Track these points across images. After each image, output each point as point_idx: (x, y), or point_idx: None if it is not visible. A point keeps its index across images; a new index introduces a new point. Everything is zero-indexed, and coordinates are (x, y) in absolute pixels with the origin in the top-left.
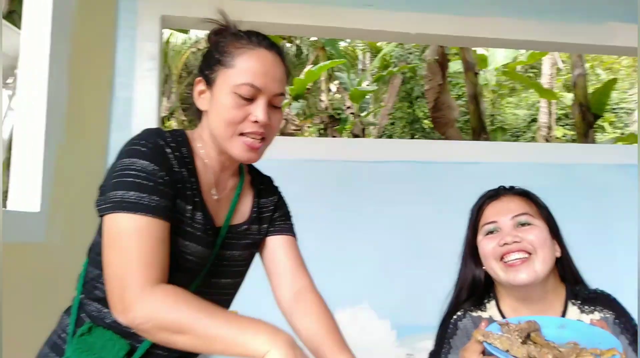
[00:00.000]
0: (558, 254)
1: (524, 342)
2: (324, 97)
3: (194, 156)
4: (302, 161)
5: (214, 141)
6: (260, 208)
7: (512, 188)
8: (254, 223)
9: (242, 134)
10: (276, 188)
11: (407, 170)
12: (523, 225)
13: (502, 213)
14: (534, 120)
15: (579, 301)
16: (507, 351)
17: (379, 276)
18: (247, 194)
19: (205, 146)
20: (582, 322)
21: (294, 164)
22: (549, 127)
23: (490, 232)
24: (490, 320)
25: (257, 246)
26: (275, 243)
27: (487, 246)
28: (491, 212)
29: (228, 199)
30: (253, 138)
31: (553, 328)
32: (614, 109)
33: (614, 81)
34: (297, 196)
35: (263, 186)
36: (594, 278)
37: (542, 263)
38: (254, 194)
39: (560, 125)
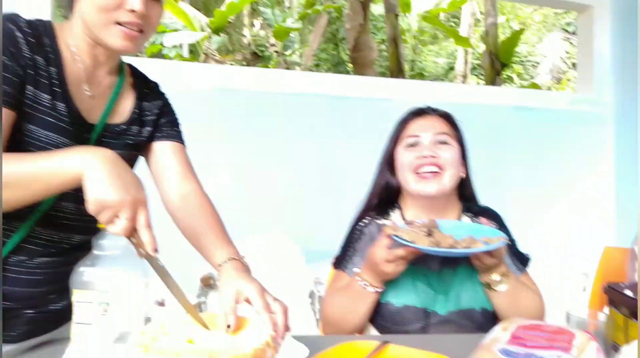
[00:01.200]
0: (463, 175)
1: (427, 235)
2: (246, 32)
3: (58, 46)
4: (219, 90)
5: (87, 32)
6: (142, 110)
7: (436, 109)
8: (134, 124)
9: (118, 23)
10: (163, 94)
11: (321, 103)
12: (441, 143)
13: (425, 129)
14: (452, 68)
15: (471, 214)
16: (413, 242)
17: (290, 204)
18: (127, 95)
19: (75, 38)
20: (473, 223)
21: (210, 94)
22: (465, 76)
23: (411, 145)
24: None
25: (139, 149)
26: (162, 149)
27: (406, 157)
28: (415, 127)
29: (104, 97)
30: (130, 28)
31: (450, 229)
32: (522, 61)
33: (522, 31)
34: (212, 125)
35: (147, 90)
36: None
37: (449, 179)
38: (135, 96)
39: (475, 74)
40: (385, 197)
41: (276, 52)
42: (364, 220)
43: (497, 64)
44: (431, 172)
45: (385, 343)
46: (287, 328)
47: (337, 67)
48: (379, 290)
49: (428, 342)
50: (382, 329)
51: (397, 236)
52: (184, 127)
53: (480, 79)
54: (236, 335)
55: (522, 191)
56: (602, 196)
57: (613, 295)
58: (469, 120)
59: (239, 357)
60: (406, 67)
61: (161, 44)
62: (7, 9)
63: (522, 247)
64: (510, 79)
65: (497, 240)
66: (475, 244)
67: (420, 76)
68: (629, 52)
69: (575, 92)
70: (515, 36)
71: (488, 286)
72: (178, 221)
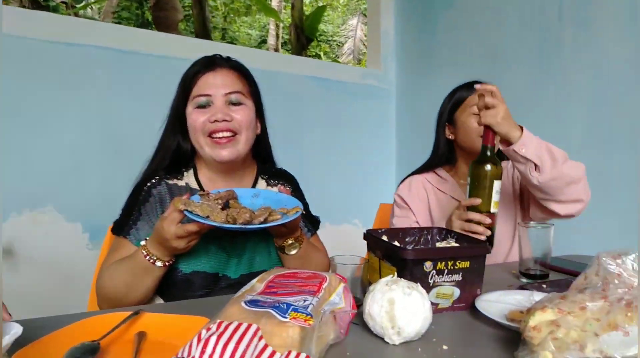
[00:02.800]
0: (258, 131)
1: (223, 208)
2: None
3: None
4: None
5: None
6: None
7: (228, 59)
8: None
9: None
10: None
11: (104, 57)
12: (234, 104)
13: (217, 86)
14: (265, 41)
15: (267, 176)
16: (208, 217)
17: (67, 175)
18: None
19: None
20: (271, 191)
21: None
22: (276, 49)
23: (202, 106)
24: (187, 188)
25: None
26: None
27: (197, 119)
28: (205, 84)
29: None
30: None
31: (248, 198)
32: (328, 40)
33: (324, 7)
34: None
35: None
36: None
37: (244, 143)
38: None
39: (286, 49)
40: (177, 157)
41: (64, 3)
42: (152, 180)
43: (302, 38)
44: (225, 137)
45: (139, 312)
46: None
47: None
48: (168, 263)
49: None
50: (168, 296)
51: (189, 211)
52: None
53: (290, 53)
54: None
55: (318, 155)
56: (384, 160)
57: (371, 240)
58: (271, 86)
59: None
60: (217, 35)
61: None
62: None
63: (318, 206)
64: (318, 56)
65: (294, 210)
66: (272, 216)
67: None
68: (409, 32)
69: (366, 68)
70: (319, 12)
71: (282, 250)
72: None
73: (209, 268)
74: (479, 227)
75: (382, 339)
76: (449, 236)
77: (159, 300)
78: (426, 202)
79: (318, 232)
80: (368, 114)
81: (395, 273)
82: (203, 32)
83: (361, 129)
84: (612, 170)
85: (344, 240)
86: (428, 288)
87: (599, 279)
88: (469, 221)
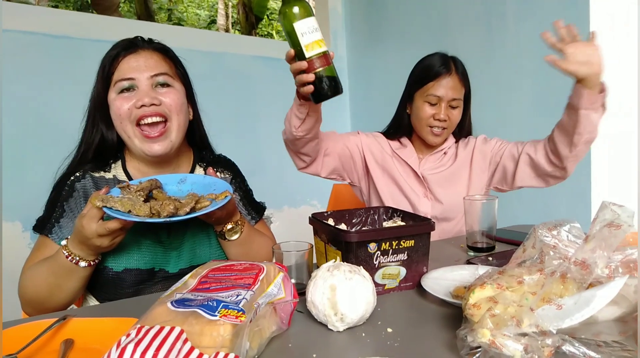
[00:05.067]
0: (191, 117)
1: (146, 200)
2: None
3: None
4: None
5: None
6: None
7: (150, 40)
8: None
9: None
10: None
11: (36, 43)
12: (162, 85)
13: (141, 69)
14: (215, 22)
15: (205, 164)
16: (130, 212)
17: (2, 170)
18: None
19: None
20: (198, 174)
21: None
22: (227, 30)
23: (126, 89)
24: (115, 181)
25: None
26: None
27: (122, 106)
28: (128, 67)
29: None
30: None
31: (174, 184)
32: None
33: None
34: None
35: None
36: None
37: (177, 131)
38: None
39: (237, 29)
40: (103, 149)
41: None
42: (76, 173)
43: (251, 17)
44: (155, 122)
45: (66, 318)
46: None
47: (81, 11)
48: (94, 262)
49: (145, 301)
50: (100, 295)
51: (108, 207)
52: None
53: (241, 33)
54: None
55: (274, 137)
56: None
57: (316, 224)
58: (220, 68)
59: None
60: (162, 16)
61: None
62: None
63: (276, 189)
64: (270, 35)
65: (223, 195)
66: (200, 203)
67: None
68: (357, 8)
69: None
70: None
71: (222, 236)
72: None
73: (143, 264)
74: (303, 76)
75: (326, 327)
76: (395, 215)
77: (93, 300)
78: (372, 158)
79: (279, 215)
80: None
81: (338, 258)
82: (146, 13)
83: None
84: None
85: (304, 222)
86: (374, 269)
87: (536, 251)
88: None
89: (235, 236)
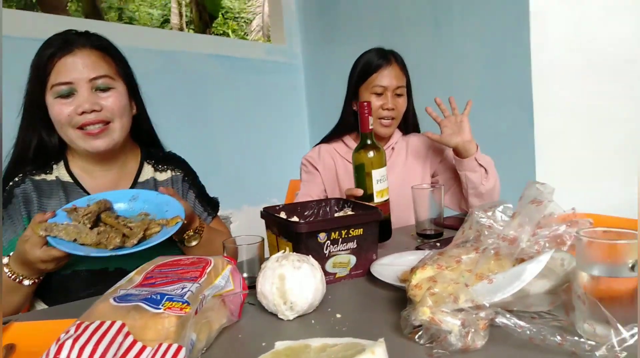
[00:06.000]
0: (135, 112)
1: (94, 226)
2: None
3: None
4: None
5: None
6: None
7: (87, 34)
8: None
9: None
10: None
11: None
12: (103, 90)
13: (79, 71)
14: (168, 21)
15: (154, 161)
16: (75, 240)
17: None
18: None
19: None
20: (152, 191)
21: None
22: (181, 29)
23: (64, 96)
24: (58, 183)
25: None
26: None
27: (61, 112)
28: (64, 70)
29: None
30: None
31: (125, 201)
32: (236, 18)
33: None
34: None
35: None
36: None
37: (120, 130)
38: None
39: (191, 28)
40: (43, 152)
41: None
42: (15, 178)
43: (205, 15)
44: (97, 127)
45: (9, 322)
46: None
47: (25, 10)
48: (39, 279)
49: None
50: (50, 300)
51: (52, 236)
52: None
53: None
54: None
55: (230, 135)
56: (297, 135)
57: (267, 217)
58: (173, 67)
59: None
60: (112, 15)
61: None
62: None
63: (234, 188)
64: (226, 34)
65: (174, 221)
66: (150, 229)
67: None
68: (311, 5)
69: (271, 43)
70: None
71: (182, 242)
72: None
73: (94, 265)
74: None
75: (277, 316)
76: (346, 205)
77: (41, 305)
78: (334, 171)
79: (238, 215)
80: (277, 90)
81: (288, 249)
82: (94, 12)
83: (272, 106)
84: (502, 127)
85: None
86: (324, 259)
87: (472, 232)
88: None
89: (195, 242)
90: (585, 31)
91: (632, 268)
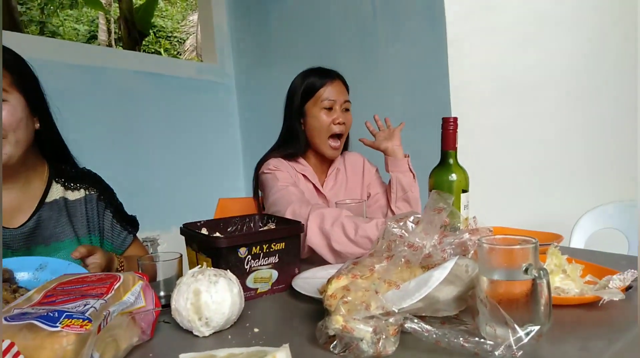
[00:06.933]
0: (38, 126)
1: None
2: None
3: None
4: None
5: None
6: None
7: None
8: None
9: None
10: None
11: None
12: None
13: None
14: (95, 37)
15: (64, 180)
16: None
17: None
18: None
19: None
20: (64, 261)
21: None
22: (110, 46)
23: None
24: None
25: None
26: None
27: None
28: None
29: None
30: None
31: (30, 270)
32: (168, 37)
33: (154, 0)
34: None
35: None
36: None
37: (15, 146)
38: None
39: (121, 45)
40: None
41: None
42: None
43: (135, 33)
44: None
45: None
46: None
47: None
48: None
49: None
50: None
51: None
52: None
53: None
54: None
55: (161, 155)
56: (230, 155)
57: (186, 234)
58: (99, 83)
59: None
60: (33, 29)
61: None
62: None
63: (166, 210)
64: (158, 53)
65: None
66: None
67: None
68: (243, 25)
69: (203, 62)
70: (150, 5)
71: None
72: None
73: None
74: None
75: (192, 333)
76: (270, 221)
77: None
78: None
79: (166, 236)
80: (209, 109)
81: (205, 264)
82: (11, 24)
83: (204, 125)
84: (425, 147)
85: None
86: (245, 274)
87: (385, 241)
88: None
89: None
90: (496, 59)
91: (526, 271)
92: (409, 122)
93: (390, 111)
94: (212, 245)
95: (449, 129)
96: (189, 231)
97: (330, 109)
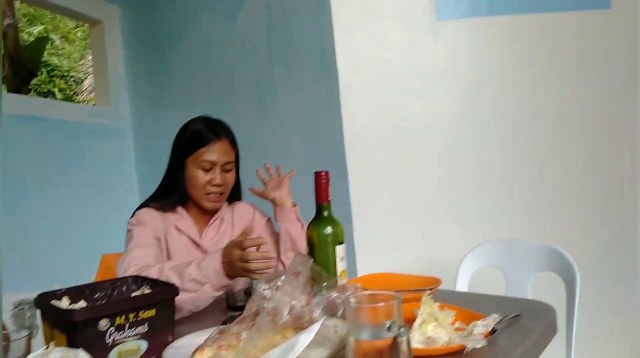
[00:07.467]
0: None
1: None
2: None
3: None
4: None
5: None
6: None
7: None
8: None
9: None
10: None
11: None
12: None
13: None
14: None
15: None
16: None
17: None
18: None
19: None
20: None
21: None
22: None
23: None
24: None
25: None
26: None
27: None
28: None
29: None
30: None
31: None
32: (64, 76)
33: (45, 39)
34: None
35: None
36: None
37: None
38: None
39: (5, 87)
40: None
41: None
42: None
43: (23, 72)
44: None
45: None
46: None
47: None
48: None
49: None
50: None
51: None
52: None
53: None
54: None
55: (49, 203)
56: (127, 203)
57: (41, 306)
58: None
59: None
60: None
61: None
62: None
63: (57, 264)
64: (52, 93)
65: None
66: None
67: None
68: (140, 67)
69: (96, 105)
70: (40, 43)
71: None
72: None
73: None
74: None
75: None
76: (144, 283)
77: None
78: (164, 239)
79: None
80: (103, 155)
81: (52, 344)
82: None
83: (97, 172)
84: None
85: None
86: (106, 349)
87: (255, 305)
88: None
89: None
90: (384, 107)
91: (389, 328)
92: (306, 168)
93: (289, 158)
94: (65, 318)
95: (321, 183)
96: (43, 303)
97: (209, 169)
